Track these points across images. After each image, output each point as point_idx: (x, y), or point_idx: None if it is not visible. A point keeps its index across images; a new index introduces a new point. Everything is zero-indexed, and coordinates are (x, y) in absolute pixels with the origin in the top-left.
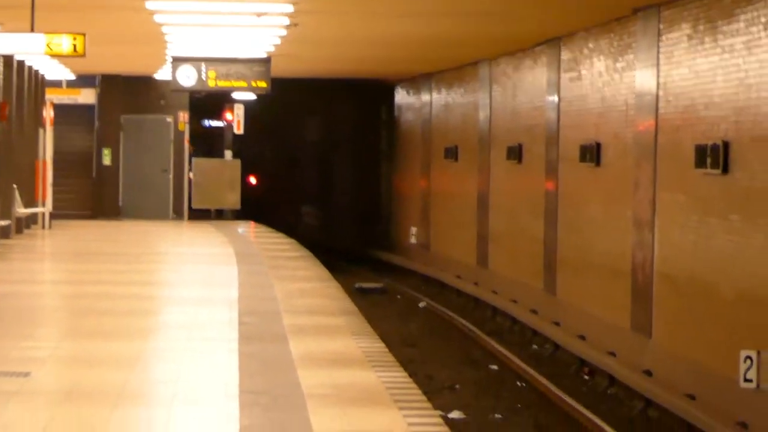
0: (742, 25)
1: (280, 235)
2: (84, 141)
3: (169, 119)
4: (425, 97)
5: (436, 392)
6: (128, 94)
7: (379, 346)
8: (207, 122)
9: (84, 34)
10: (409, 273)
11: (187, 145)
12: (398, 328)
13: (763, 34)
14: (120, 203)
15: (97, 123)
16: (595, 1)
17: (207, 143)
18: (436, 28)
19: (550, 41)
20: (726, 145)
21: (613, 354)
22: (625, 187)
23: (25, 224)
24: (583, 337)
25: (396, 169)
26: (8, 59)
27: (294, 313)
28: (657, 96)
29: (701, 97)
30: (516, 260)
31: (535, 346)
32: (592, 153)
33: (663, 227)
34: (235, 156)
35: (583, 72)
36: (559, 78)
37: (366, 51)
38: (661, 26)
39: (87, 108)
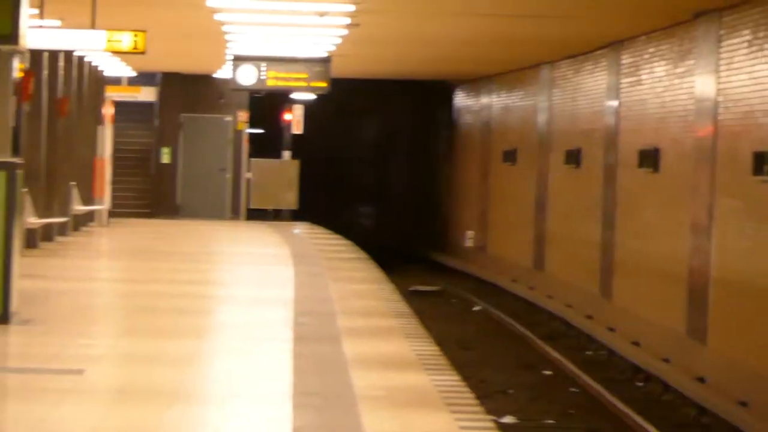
0: None
1: (337, 236)
2: (143, 139)
3: (228, 118)
4: (485, 99)
5: (489, 396)
6: (188, 92)
7: (432, 349)
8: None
9: (145, 31)
10: (464, 275)
11: (245, 144)
12: (453, 331)
13: None
14: (178, 202)
15: (156, 121)
16: (655, 5)
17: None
18: (497, 28)
19: (611, 45)
20: None
21: (667, 360)
22: (682, 193)
23: (82, 222)
24: (637, 344)
25: (454, 171)
26: (69, 55)
27: (349, 315)
28: (716, 102)
29: (760, 104)
30: (572, 264)
31: (589, 352)
32: (650, 158)
33: (720, 233)
34: (293, 156)
35: (644, 77)
36: (619, 82)
37: (426, 51)
38: (722, 32)
39: (147, 106)
